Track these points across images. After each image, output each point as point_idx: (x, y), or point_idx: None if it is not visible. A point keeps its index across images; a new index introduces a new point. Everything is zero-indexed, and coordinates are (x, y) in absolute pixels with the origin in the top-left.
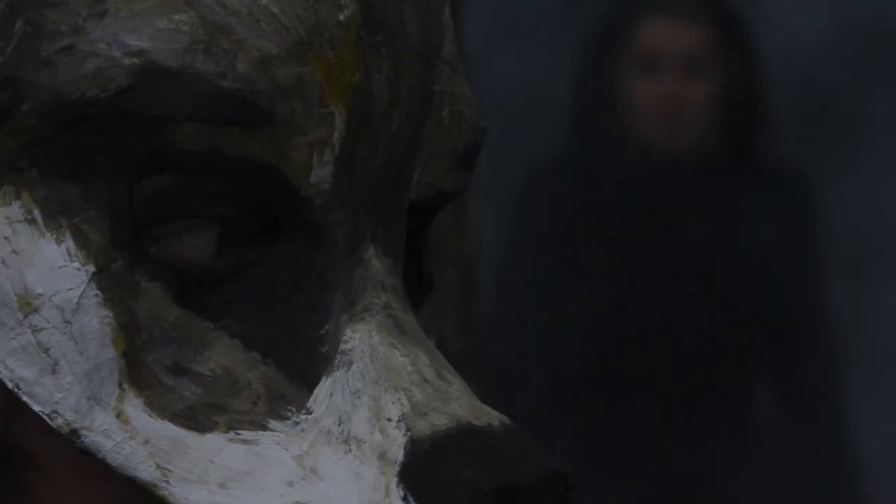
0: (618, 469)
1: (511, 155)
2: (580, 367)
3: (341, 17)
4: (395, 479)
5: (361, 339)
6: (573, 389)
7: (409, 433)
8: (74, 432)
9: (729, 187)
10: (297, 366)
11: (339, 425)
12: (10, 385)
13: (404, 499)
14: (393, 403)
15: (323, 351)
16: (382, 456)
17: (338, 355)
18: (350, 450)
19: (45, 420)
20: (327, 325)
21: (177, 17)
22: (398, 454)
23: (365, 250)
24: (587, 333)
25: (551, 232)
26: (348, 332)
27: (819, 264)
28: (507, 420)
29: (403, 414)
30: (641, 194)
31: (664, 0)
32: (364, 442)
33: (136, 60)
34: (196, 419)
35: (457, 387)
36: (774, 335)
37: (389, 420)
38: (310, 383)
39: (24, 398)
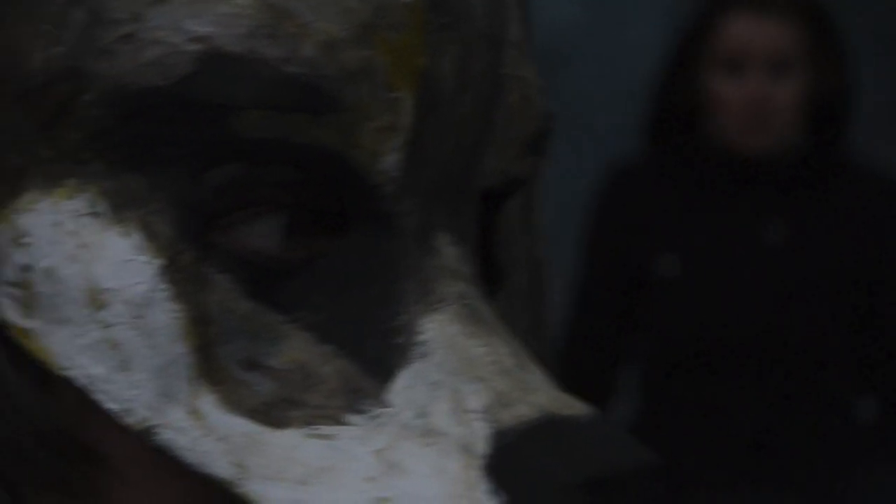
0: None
1: (588, 153)
2: (662, 372)
3: (406, 0)
4: (481, 473)
5: (438, 330)
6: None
7: (492, 425)
8: (148, 430)
9: (817, 190)
10: (372, 358)
11: (419, 418)
12: (80, 383)
13: (491, 492)
14: (474, 394)
15: (398, 342)
16: (466, 449)
17: (414, 346)
18: (431, 443)
19: (117, 418)
20: (402, 316)
21: (239, 1)
22: (482, 447)
23: (436, 239)
24: (668, 340)
25: (628, 233)
26: (424, 323)
27: None
28: (592, 410)
29: (486, 405)
30: (722, 196)
31: None
32: (446, 435)
33: (198, 47)
34: (271, 415)
35: (538, 377)
36: (870, 338)
37: (471, 412)
38: (386, 376)
39: (96, 396)
